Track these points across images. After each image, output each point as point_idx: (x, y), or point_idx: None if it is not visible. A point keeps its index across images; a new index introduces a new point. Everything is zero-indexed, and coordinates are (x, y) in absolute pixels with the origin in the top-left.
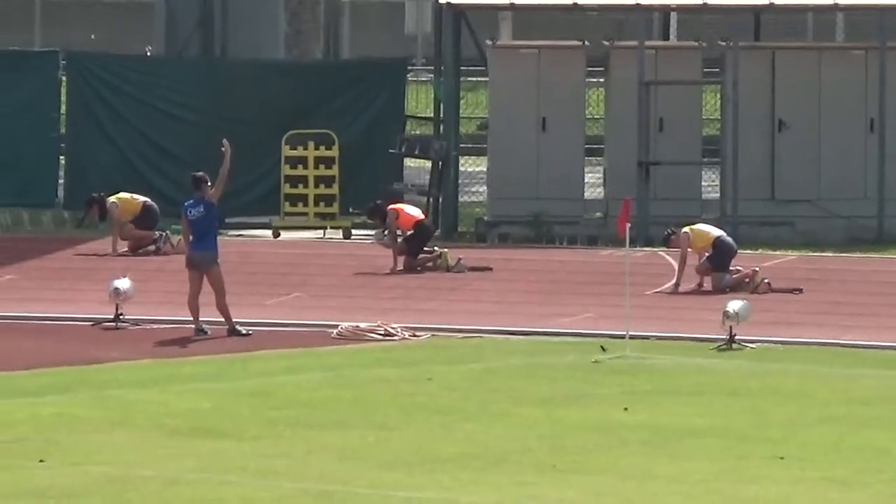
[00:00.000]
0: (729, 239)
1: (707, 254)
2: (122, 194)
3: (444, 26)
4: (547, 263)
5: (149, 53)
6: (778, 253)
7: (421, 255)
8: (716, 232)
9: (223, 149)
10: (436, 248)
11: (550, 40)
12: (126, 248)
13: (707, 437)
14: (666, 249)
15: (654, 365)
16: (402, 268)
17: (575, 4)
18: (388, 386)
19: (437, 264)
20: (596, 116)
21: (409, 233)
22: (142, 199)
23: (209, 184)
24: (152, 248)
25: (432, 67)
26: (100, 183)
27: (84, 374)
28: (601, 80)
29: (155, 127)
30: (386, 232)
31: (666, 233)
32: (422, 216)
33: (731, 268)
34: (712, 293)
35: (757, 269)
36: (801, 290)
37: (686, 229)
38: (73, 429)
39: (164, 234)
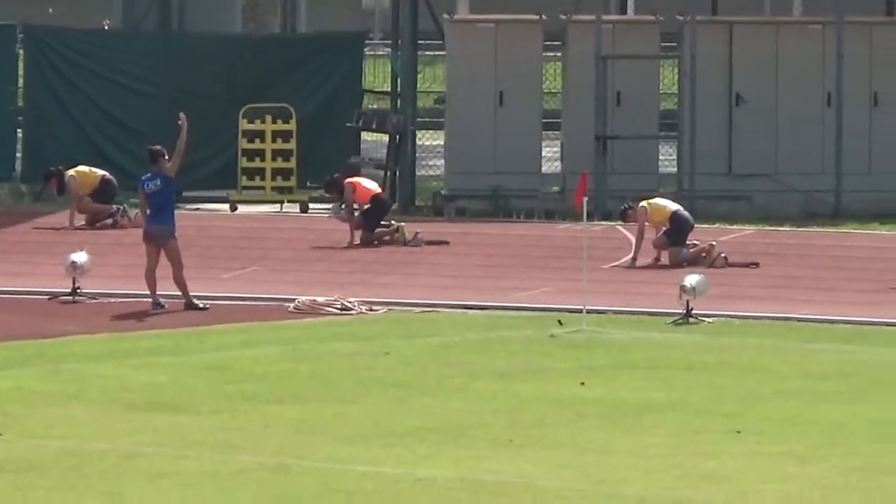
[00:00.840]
0: (686, 213)
1: (664, 228)
2: (81, 168)
3: (402, 0)
4: (504, 237)
5: (106, 27)
6: (735, 227)
7: (378, 229)
8: (673, 206)
9: (180, 122)
10: (393, 222)
11: (508, 14)
12: (83, 222)
13: (664, 412)
14: (623, 223)
15: (611, 339)
16: (359, 242)
17: None
18: (345, 360)
19: (395, 238)
20: (553, 91)
21: (366, 207)
22: (100, 172)
23: (166, 157)
24: (109, 221)
25: (390, 42)
26: (57, 157)
27: (41, 347)
28: (558, 54)
29: (112, 101)
30: (343, 206)
31: (623, 207)
32: (379, 190)
33: (688, 242)
34: (669, 267)
35: (714, 243)
36: (757, 265)
37: (643, 203)
38: (29, 402)
39: (121, 207)
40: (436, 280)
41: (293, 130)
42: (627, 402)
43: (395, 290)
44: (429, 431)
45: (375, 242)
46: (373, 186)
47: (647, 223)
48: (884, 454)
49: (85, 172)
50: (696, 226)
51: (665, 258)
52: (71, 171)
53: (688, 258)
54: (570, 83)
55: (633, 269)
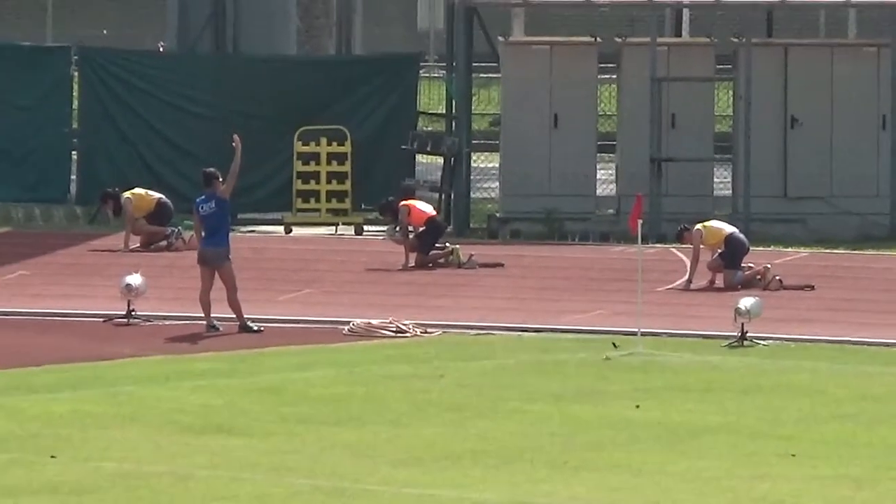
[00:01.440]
0: (741, 236)
1: (719, 250)
2: (137, 190)
3: (457, 22)
4: (559, 260)
5: (161, 49)
6: (790, 250)
7: (433, 252)
8: (728, 229)
9: (234, 144)
10: (447, 245)
11: (562, 36)
12: (138, 244)
13: (719, 434)
14: (678, 246)
15: (666, 362)
16: (413, 264)
17: (587, 1)
18: (400, 382)
19: (449, 261)
20: (608, 113)
21: (420, 229)
22: (156, 195)
23: (220, 180)
24: (164, 243)
25: (445, 64)
26: (111, 179)
27: (96, 370)
28: (613, 76)
29: (167, 122)
30: (398, 228)
31: (678, 229)
32: (433, 213)
33: (742, 265)
34: (724, 290)
35: (769, 265)
36: (812, 287)
37: (699, 226)
38: (84, 425)
39: (176, 230)
40: (490, 302)
41: (348, 153)
42: (682, 424)
43: (449, 313)
44: (484, 454)
45: (430, 265)
46: (427, 209)
47: (702, 246)
48: None
49: (141, 195)
50: (751, 248)
51: (720, 281)
52: (127, 194)
53: (742, 281)
54: (625, 105)
55: (688, 292)
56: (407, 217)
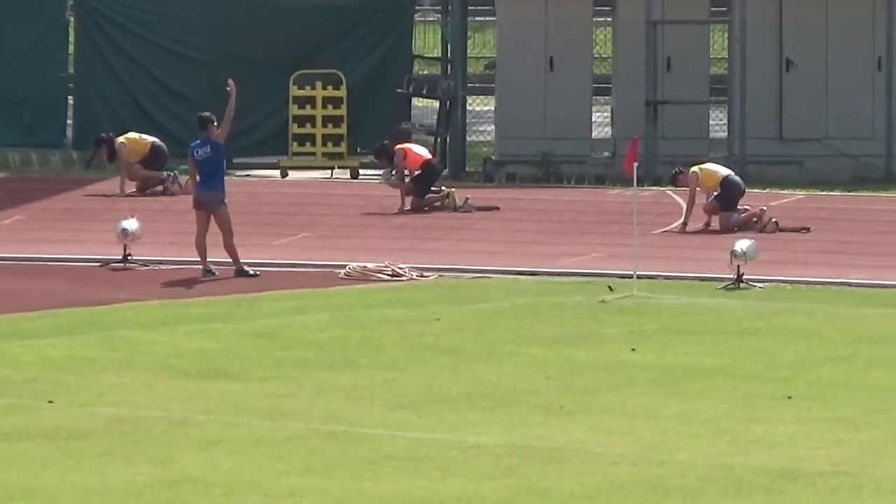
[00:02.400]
0: (737, 178)
1: (715, 193)
2: (131, 134)
3: None
4: (554, 203)
5: None
6: (786, 192)
7: (428, 195)
8: (724, 171)
9: (228, 88)
10: (443, 188)
11: None
12: (134, 189)
13: (715, 377)
14: (674, 188)
15: (662, 304)
16: (409, 208)
17: None
18: (396, 326)
19: (445, 204)
20: (603, 56)
21: (416, 173)
22: (150, 139)
23: (215, 124)
24: (160, 188)
25: (440, 7)
26: (108, 123)
27: (92, 314)
28: (608, 19)
29: (163, 67)
30: (393, 172)
31: (674, 172)
32: (429, 156)
33: (738, 207)
34: (720, 232)
35: (765, 208)
36: (808, 230)
37: (695, 168)
38: (81, 370)
39: (171, 174)
40: (486, 246)
41: (343, 97)
42: (678, 367)
43: (445, 256)
44: (480, 397)
45: (426, 208)
46: (423, 152)
47: (698, 188)
48: None
49: (135, 139)
50: (746, 191)
51: (716, 223)
52: (121, 138)
53: (738, 223)
54: (620, 48)
55: (684, 234)
56: (403, 160)
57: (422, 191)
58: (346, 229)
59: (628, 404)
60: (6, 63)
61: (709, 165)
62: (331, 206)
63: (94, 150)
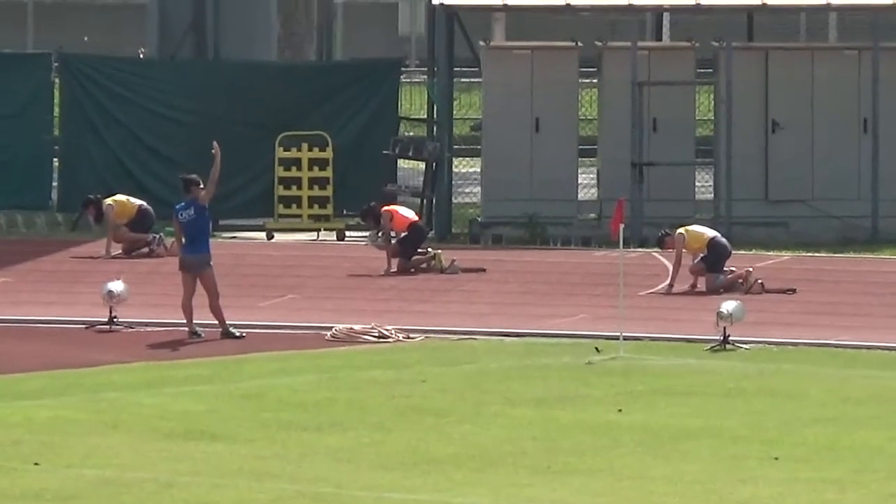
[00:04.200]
0: (723, 240)
1: (701, 254)
2: (119, 196)
3: (438, 27)
4: (541, 265)
5: (142, 55)
6: (772, 253)
7: (415, 257)
8: (710, 233)
9: (213, 151)
10: (430, 250)
11: (543, 41)
12: (120, 251)
13: (702, 438)
14: (660, 250)
15: (648, 366)
16: (395, 269)
17: (567, 5)
18: (382, 388)
19: (431, 266)
20: (589, 117)
21: (402, 234)
22: (137, 202)
23: (200, 186)
24: (146, 250)
25: (426, 68)
26: (93, 186)
27: (78, 377)
28: (594, 80)
29: (148, 129)
30: (380, 234)
31: (660, 234)
32: (415, 218)
33: (724, 268)
34: (706, 294)
35: (751, 269)
36: (794, 291)
37: (681, 230)
38: (67, 432)
39: (157, 236)
40: (473, 307)
41: (329, 158)
42: (665, 428)
43: (432, 318)
44: (466, 459)
45: (412, 270)
46: (409, 214)
47: (684, 250)
48: None
49: (122, 202)
50: (732, 252)
51: (702, 285)
52: (109, 200)
53: (724, 285)
54: (606, 110)
55: (670, 296)
56: (389, 222)
57: (408, 252)
58: (332, 291)
59: (615, 465)
60: None
61: (695, 227)
62: (317, 268)
63: (81, 210)
